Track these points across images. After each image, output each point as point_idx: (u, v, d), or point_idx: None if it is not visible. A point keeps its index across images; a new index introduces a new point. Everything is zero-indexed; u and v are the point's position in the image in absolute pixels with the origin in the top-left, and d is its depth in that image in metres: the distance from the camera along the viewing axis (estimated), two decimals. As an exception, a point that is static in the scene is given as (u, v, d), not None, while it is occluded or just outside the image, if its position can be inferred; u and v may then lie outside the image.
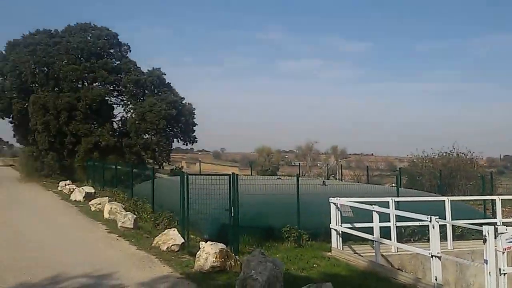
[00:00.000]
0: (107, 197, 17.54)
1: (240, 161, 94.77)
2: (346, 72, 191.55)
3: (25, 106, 31.48)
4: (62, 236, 11.90)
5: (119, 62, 34.43)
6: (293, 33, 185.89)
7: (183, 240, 10.28)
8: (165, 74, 34.52)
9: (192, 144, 36.74)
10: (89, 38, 33.81)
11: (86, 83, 33.03)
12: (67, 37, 33.40)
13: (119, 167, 23.02)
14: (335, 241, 11.92)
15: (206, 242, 8.66)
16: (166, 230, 10.72)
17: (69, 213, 16.48)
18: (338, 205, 12.03)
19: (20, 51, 32.30)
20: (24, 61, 31.29)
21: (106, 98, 33.18)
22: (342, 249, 11.87)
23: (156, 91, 33.77)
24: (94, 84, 32.99)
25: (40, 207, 18.30)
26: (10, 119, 33.58)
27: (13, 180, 32.49)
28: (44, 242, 10.99)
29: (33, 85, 32.09)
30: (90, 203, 17.52)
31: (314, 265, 10.23)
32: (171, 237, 10.22)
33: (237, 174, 12.10)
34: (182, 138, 34.84)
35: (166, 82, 34.58)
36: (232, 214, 11.59)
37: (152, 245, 10.31)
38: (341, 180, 28.06)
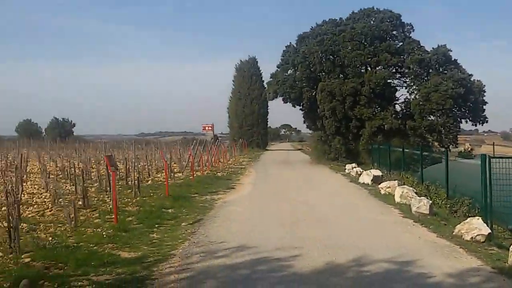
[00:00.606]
0: (396, 181, 17.24)
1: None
2: None
3: (313, 94, 33.93)
4: (357, 218, 12.04)
5: (402, 43, 33.83)
6: None
7: (489, 231, 9.21)
8: (451, 51, 32.32)
9: (482, 125, 33.51)
10: (372, 22, 34.19)
11: (369, 68, 33.51)
12: (351, 24, 34.45)
13: (406, 150, 22.53)
14: None
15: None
16: (468, 219, 9.78)
17: (360, 196, 16.75)
18: None
19: (309, 43, 34.84)
20: (312, 51, 33.60)
21: (389, 80, 33.09)
22: None
23: (441, 70, 31.92)
24: (377, 68, 33.12)
25: (332, 188, 19.13)
26: (301, 107, 36.52)
27: (304, 163, 35.64)
28: (341, 223, 11.25)
29: (321, 73, 34.22)
30: (379, 186, 17.52)
31: None
32: (475, 226, 9.26)
33: (556, 158, 10.27)
34: (470, 119, 32.15)
35: (452, 59, 32.31)
36: (549, 205, 9.92)
37: (453, 233, 9.52)
38: None
